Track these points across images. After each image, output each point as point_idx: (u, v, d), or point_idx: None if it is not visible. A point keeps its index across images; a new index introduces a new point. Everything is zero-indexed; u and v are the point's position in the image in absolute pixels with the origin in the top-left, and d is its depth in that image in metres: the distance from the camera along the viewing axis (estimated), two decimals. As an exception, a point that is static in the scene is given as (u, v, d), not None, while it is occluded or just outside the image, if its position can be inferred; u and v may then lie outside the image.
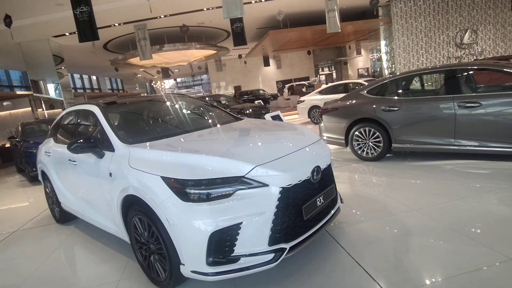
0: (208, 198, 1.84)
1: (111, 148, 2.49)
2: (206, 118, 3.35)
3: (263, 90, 22.46)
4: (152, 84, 33.31)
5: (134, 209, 2.22)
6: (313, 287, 2.00)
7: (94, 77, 27.85)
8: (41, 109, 12.40)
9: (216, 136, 2.67)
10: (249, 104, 9.82)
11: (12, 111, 11.87)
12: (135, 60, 15.97)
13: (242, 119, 3.24)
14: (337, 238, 2.56)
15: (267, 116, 4.23)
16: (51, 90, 15.30)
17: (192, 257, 1.88)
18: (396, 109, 4.30)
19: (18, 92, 12.44)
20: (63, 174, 3.40)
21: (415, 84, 4.83)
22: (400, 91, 4.57)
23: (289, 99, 15.18)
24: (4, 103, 11.58)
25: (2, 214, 4.90)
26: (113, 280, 2.41)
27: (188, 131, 2.72)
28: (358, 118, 4.68)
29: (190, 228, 1.83)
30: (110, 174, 2.39)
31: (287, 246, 1.93)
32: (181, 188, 1.88)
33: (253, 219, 1.84)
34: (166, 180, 1.93)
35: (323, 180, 2.26)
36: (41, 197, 5.15)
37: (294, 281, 2.08)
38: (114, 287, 2.33)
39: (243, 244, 1.85)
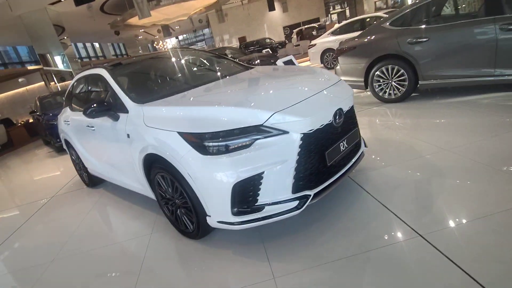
0: (227, 150, 1.79)
1: (124, 110, 2.45)
2: (215, 70, 3.20)
3: (270, 39, 21.17)
4: (154, 45, 32.32)
5: (156, 167, 2.23)
6: (340, 232, 2.00)
7: (97, 45, 27.31)
8: (53, 82, 12.50)
9: (228, 87, 2.55)
10: (257, 54, 9.29)
11: (28, 87, 12.06)
12: (134, 20, 15.34)
13: (252, 67, 3.07)
14: (361, 183, 2.51)
15: (279, 62, 3.98)
16: (59, 62, 15.26)
17: (217, 209, 1.90)
18: (424, 40, 3.87)
19: (29, 67, 12.48)
20: (84, 141, 3.46)
21: (447, 9, 4.28)
22: (430, 18, 4.05)
23: (298, 45, 14.27)
24: (19, 80, 11.72)
25: (38, 184, 5.22)
26: (146, 234, 2.55)
27: (199, 85, 2.61)
28: (379, 56, 4.31)
29: (212, 181, 1.83)
30: (128, 136, 2.38)
31: (311, 193, 1.90)
32: (199, 142, 1.83)
33: (275, 168, 1.80)
34: (183, 135, 1.89)
35: (346, 123, 2.14)
36: (69, 165, 5.39)
37: (320, 227, 2.09)
38: (147, 239, 2.47)
39: (266, 193, 1.83)
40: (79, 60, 17.81)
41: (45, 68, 12.64)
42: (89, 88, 3.36)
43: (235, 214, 1.86)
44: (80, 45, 24.29)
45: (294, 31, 18.52)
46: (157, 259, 2.20)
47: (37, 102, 8.07)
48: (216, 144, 1.80)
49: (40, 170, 6.24)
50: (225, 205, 1.85)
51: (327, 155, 1.96)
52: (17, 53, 18.30)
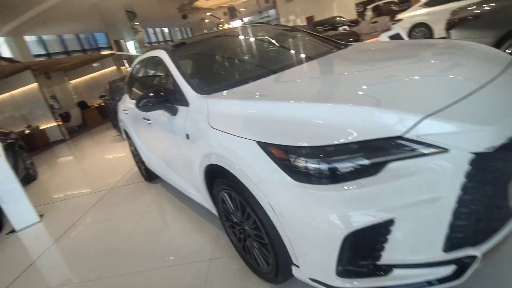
0: (337, 177, 1.10)
1: (184, 102, 1.91)
2: (301, 48, 2.45)
3: (340, 17, 19.21)
4: (219, 28, 32.49)
5: (221, 182, 1.65)
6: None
7: (166, 30, 28.37)
8: (124, 67, 13.08)
9: (327, 71, 1.80)
10: (332, 33, 8.14)
11: (101, 71, 12.81)
12: (201, 3, 15.27)
13: (350, 44, 2.27)
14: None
15: (383, 37, 3.05)
16: (131, 47, 16.03)
17: (313, 261, 1.24)
18: None
19: (103, 53, 13.27)
20: (141, 134, 3.09)
21: None
22: None
23: (376, 22, 12.51)
24: (94, 65, 12.48)
25: (100, 170, 5.22)
26: (204, 258, 2.04)
27: (282, 69, 1.92)
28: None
29: (308, 223, 1.16)
30: (187, 136, 1.83)
31: (477, 252, 1.11)
32: (290, 160, 1.17)
33: (418, 210, 1.05)
34: (265, 147, 1.25)
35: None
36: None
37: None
38: (207, 267, 1.94)
39: (397, 247, 1.11)
40: (148, 45, 18.59)
41: (116, 53, 13.29)
42: (148, 73, 2.94)
43: (340, 274, 1.18)
44: (150, 30, 25.46)
45: (369, 7, 16.46)
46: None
47: (107, 86, 8.31)
48: (318, 166, 1.12)
49: (106, 153, 6.39)
50: (326, 260, 1.17)
51: (511, 188, 1.14)
52: (95, 40, 19.83)
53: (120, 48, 15.13)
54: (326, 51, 2.17)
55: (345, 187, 1.08)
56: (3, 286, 2.46)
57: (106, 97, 8.20)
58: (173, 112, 2.01)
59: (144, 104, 1.98)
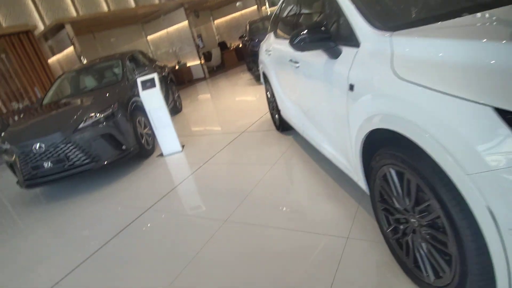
0: None
1: (352, 41, 1.46)
2: None
3: None
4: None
5: (391, 154, 1.23)
6: None
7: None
8: (264, 7, 12.98)
9: None
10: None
11: (242, 12, 13.12)
12: None
13: None
14: None
15: None
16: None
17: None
18: None
19: (245, -9, 13.39)
20: (283, 78, 2.84)
21: None
22: None
23: None
24: (236, 4, 12.78)
25: (233, 111, 5.48)
26: (339, 234, 1.76)
27: None
28: None
29: None
30: (351, 87, 1.43)
31: None
32: None
33: None
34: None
35: None
36: (264, 98, 5.29)
37: None
38: (342, 245, 1.67)
39: None
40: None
41: (258, -8, 13.18)
42: (302, 7, 2.54)
43: None
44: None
45: None
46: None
47: (247, 27, 8.41)
48: None
49: (238, 96, 6.66)
50: None
51: None
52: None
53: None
54: None
55: None
56: (153, 202, 2.82)
57: (245, 38, 8.38)
58: (334, 54, 1.60)
59: (299, 41, 1.64)
